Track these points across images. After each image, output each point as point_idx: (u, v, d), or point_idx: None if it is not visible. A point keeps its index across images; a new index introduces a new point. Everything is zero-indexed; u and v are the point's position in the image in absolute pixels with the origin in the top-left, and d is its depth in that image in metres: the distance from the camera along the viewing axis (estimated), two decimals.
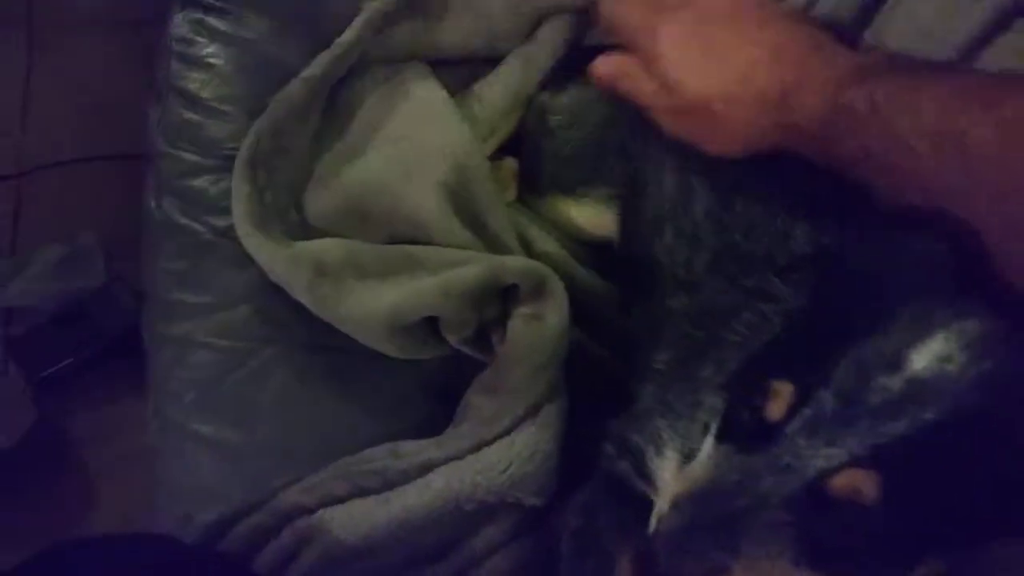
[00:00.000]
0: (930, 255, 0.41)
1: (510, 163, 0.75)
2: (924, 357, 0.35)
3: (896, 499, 0.34)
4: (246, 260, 0.67)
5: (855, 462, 0.35)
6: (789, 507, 0.35)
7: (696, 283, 0.58)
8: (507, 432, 0.59)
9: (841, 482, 0.35)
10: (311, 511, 0.56)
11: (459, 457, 0.58)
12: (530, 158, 0.72)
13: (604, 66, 0.59)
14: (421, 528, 0.56)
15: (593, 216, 0.70)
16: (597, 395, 0.63)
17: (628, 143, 0.66)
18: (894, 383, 0.35)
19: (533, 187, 0.72)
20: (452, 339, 0.62)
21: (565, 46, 0.74)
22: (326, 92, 0.70)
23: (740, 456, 0.38)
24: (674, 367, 0.57)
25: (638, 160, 0.65)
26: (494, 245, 0.65)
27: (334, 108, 0.72)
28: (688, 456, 0.49)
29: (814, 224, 0.53)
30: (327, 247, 0.63)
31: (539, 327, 0.60)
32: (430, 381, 0.66)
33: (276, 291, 0.66)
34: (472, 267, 0.60)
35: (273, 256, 0.63)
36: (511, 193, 0.74)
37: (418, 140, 0.66)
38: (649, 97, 0.55)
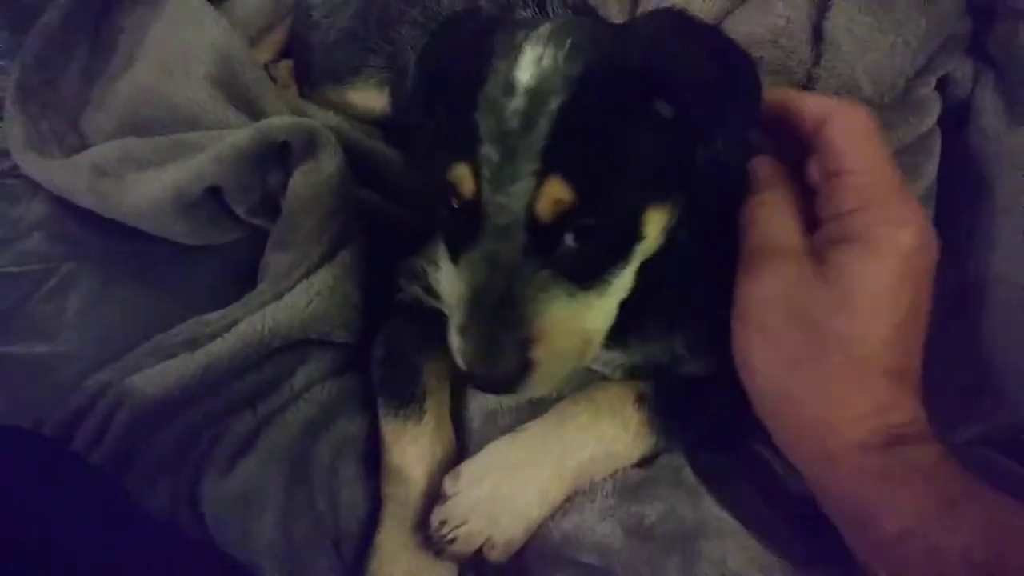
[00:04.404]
0: None
1: (286, 64, 0.78)
2: (525, 70, 0.41)
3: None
4: (34, 191, 0.68)
5: (541, 173, 0.40)
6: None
7: None
8: (306, 277, 0.61)
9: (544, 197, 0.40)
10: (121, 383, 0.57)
11: (262, 307, 0.60)
12: (301, 53, 0.76)
13: None
14: (230, 372, 0.57)
15: (366, 100, 0.74)
16: (401, 248, 0.67)
17: (386, 27, 0.71)
18: (517, 102, 0.40)
19: (308, 80, 0.76)
20: (240, 210, 0.65)
21: None
22: (87, 23, 0.72)
23: None
24: None
25: (397, 44, 0.70)
26: None
27: (103, 42, 0.74)
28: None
29: None
30: (102, 150, 0.64)
31: (316, 176, 0.63)
32: (237, 268, 0.68)
33: (67, 213, 0.67)
34: (241, 132, 0.62)
35: (49, 169, 0.65)
36: (292, 92, 0.77)
37: (179, 41, 0.68)
38: None
